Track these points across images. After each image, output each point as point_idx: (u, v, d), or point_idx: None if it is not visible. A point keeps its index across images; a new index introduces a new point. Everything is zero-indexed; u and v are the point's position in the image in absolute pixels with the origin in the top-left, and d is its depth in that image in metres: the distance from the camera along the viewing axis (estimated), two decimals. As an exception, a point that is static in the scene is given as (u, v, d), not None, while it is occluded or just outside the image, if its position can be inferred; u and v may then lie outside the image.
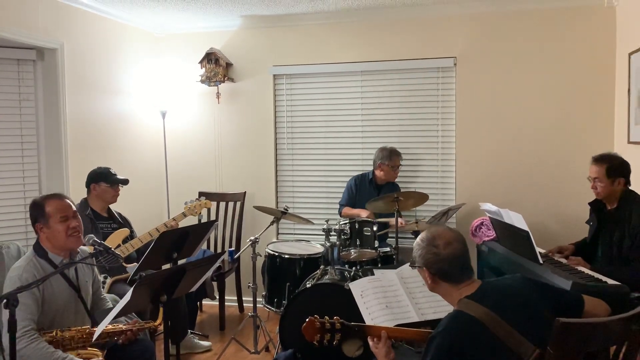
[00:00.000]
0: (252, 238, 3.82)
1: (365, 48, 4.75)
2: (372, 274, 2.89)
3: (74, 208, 2.67)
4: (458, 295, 1.89)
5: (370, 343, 2.08)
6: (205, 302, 4.93)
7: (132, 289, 2.20)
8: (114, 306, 2.64)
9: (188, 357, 3.96)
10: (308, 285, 3.52)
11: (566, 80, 4.38)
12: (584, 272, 2.90)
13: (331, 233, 3.84)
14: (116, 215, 3.86)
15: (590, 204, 3.36)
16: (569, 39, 4.36)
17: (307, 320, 2.07)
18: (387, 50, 4.71)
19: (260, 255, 4.00)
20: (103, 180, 3.73)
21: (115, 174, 3.78)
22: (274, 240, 4.89)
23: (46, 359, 2.37)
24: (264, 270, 4.08)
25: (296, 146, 5.02)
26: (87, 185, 3.75)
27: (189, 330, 4.11)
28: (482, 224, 4.08)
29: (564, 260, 3.15)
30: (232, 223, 4.98)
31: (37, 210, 2.59)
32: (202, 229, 3.25)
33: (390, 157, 4.37)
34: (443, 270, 1.91)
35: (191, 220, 4.01)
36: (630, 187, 3.16)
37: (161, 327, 2.67)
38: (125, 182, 3.82)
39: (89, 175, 3.77)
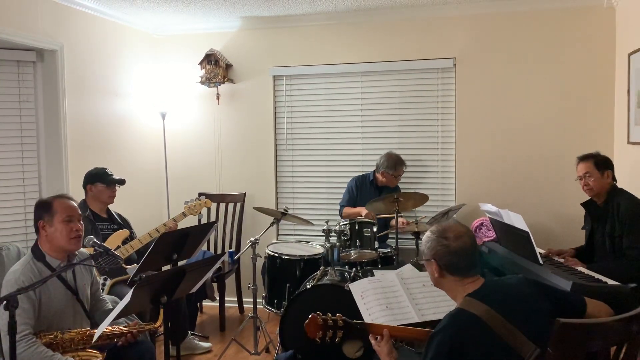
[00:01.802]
0: (252, 239, 3.82)
1: (365, 49, 4.75)
2: (373, 274, 2.89)
3: (80, 212, 2.68)
4: (462, 291, 1.89)
5: (373, 342, 2.07)
6: (206, 303, 4.93)
7: (132, 290, 2.20)
8: (113, 307, 2.64)
9: (188, 358, 3.96)
10: (308, 286, 3.52)
11: (566, 81, 4.38)
12: (583, 272, 2.91)
13: (331, 234, 3.84)
14: (116, 216, 3.86)
15: (582, 204, 3.41)
16: (568, 40, 4.36)
17: (309, 316, 2.07)
18: (386, 51, 4.71)
19: (260, 256, 4.00)
20: (99, 180, 3.72)
21: (111, 174, 3.77)
22: (274, 241, 4.89)
23: None
24: (264, 271, 4.08)
25: (296, 147, 5.02)
26: (84, 186, 3.75)
27: (189, 332, 4.11)
28: (482, 224, 4.09)
29: (562, 260, 3.18)
30: (232, 224, 4.98)
31: (44, 207, 2.59)
32: (202, 230, 3.25)
33: (395, 167, 4.36)
34: (452, 263, 1.91)
35: (191, 221, 4.01)
36: (619, 185, 3.28)
37: (161, 329, 2.67)
38: (121, 182, 3.81)
39: (85, 176, 3.77)
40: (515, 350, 1.71)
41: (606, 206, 3.23)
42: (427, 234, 2.01)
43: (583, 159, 3.32)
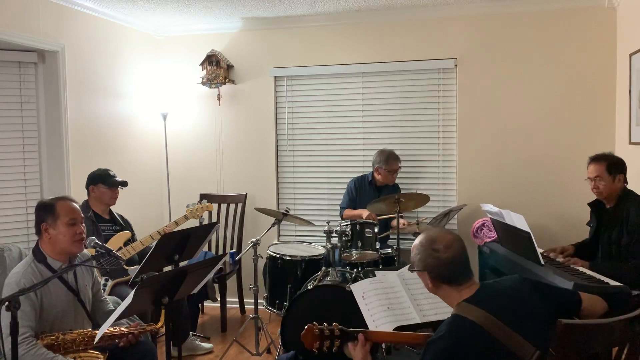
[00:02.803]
0: (254, 240, 3.82)
1: (365, 49, 4.75)
2: (374, 275, 2.89)
3: (82, 215, 2.68)
4: (458, 297, 1.88)
5: (350, 345, 2.05)
6: (207, 304, 4.93)
7: (133, 291, 2.20)
8: (115, 308, 2.64)
9: (190, 359, 3.96)
10: (309, 287, 3.52)
11: (567, 81, 4.38)
12: (585, 273, 2.91)
13: (332, 234, 3.83)
14: (118, 217, 3.87)
15: (589, 204, 3.36)
16: (569, 40, 4.36)
17: (305, 327, 2.05)
18: (387, 52, 4.71)
19: (262, 257, 4.00)
20: (101, 182, 3.73)
21: (114, 176, 3.78)
22: (275, 241, 4.89)
23: None
24: (266, 272, 4.08)
25: (297, 148, 5.02)
26: (86, 187, 3.76)
27: (191, 332, 4.11)
28: (483, 225, 4.08)
29: (561, 259, 3.16)
30: (233, 225, 4.98)
31: (46, 210, 2.58)
32: (203, 231, 3.25)
33: (387, 161, 4.36)
34: (444, 274, 1.89)
35: (193, 222, 4.01)
36: (627, 186, 3.18)
37: (163, 329, 2.67)
38: (124, 184, 3.82)
39: (88, 177, 3.77)
40: (514, 353, 1.70)
41: (615, 211, 3.13)
42: (416, 243, 1.96)
43: (595, 160, 3.18)
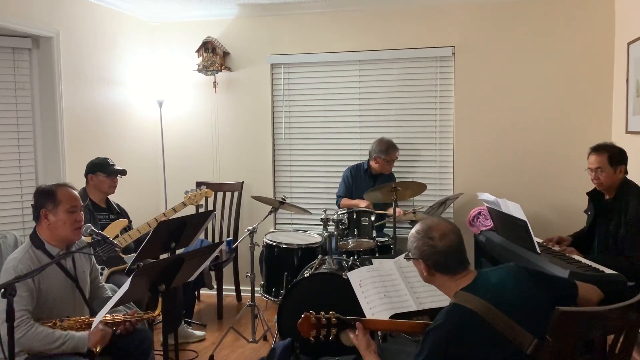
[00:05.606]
0: (250, 228, 3.82)
1: (363, 37, 4.72)
2: (370, 263, 2.89)
3: (81, 202, 2.67)
4: (455, 286, 1.88)
5: (352, 336, 2.07)
6: (203, 291, 4.94)
7: (130, 277, 2.19)
8: (112, 295, 2.64)
9: (182, 346, 3.95)
10: (306, 275, 3.53)
11: (565, 70, 4.37)
12: (581, 261, 2.92)
13: (329, 223, 3.84)
14: (114, 206, 3.85)
15: (588, 194, 3.35)
16: (567, 29, 4.34)
17: (302, 316, 2.05)
18: (385, 40, 4.68)
19: (258, 245, 4.00)
20: (100, 170, 3.70)
21: (113, 165, 3.76)
22: (272, 230, 4.89)
23: (47, 339, 2.38)
24: (262, 260, 4.08)
25: (294, 136, 5.01)
26: (85, 175, 3.74)
27: (185, 320, 4.10)
28: (479, 213, 4.09)
29: (557, 249, 3.17)
30: (229, 213, 4.98)
31: (47, 196, 2.56)
32: (199, 219, 3.24)
33: (387, 151, 4.35)
34: (439, 262, 1.90)
35: (189, 209, 4.01)
36: (627, 176, 3.15)
37: (160, 317, 2.67)
38: (123, 172, 3.80)
39: (87, 165, 3.75)
40: (512, 342, 1.70)
41: (614, 202, 3.08)
42: (413, 232, 1.98)
43: (596, 150, 3.12)
